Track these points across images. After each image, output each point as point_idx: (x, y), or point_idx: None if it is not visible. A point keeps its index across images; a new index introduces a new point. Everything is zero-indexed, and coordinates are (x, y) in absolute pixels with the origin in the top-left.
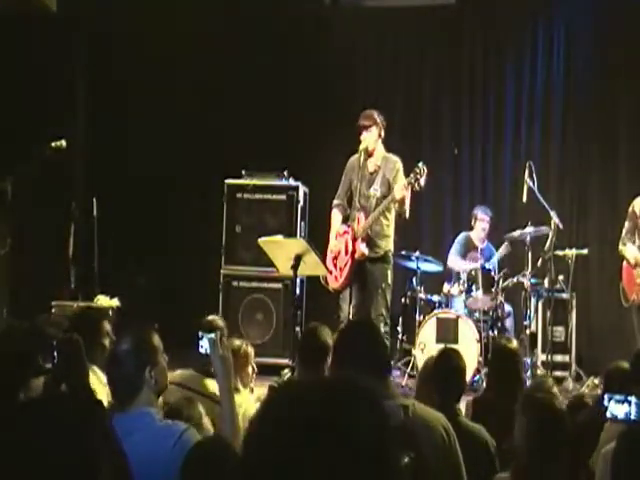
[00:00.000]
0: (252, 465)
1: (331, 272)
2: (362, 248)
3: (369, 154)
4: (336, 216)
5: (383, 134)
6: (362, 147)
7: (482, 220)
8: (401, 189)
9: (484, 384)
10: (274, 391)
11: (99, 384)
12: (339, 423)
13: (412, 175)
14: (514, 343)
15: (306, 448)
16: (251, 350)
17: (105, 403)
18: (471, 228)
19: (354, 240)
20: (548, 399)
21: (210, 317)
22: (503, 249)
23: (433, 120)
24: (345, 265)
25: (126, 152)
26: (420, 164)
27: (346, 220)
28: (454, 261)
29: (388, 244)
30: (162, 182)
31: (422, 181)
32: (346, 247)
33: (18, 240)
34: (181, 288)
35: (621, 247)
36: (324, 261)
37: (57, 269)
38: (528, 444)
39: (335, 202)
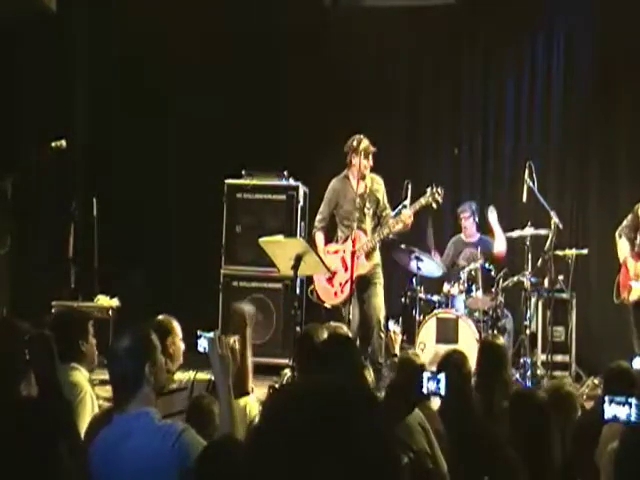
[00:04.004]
0: (255, 472)
1: (323, 292)
2: (367, 263)
3: (363, 177)
4: (320, 239)
5: None
6: (364, 172)
7: (464, 217)
8: (409, 217)
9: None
10: (274, 393)
11: (85, 382)
12: (340, 428)
13: (429, 195)
14: (501, 339)
15: (307, 453)
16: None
17: (89, 400)
18: (460, 229)
19: (352, 257)
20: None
21: (160, 317)
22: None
23: (433, 120)
24: (346, 282)
25: (126, 152)
26: (433, 188)
27: (330, 240)
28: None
29: (376, 247)
30: (162, 182)
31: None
32: (344, 264)
33: (18, 240)
34: (181, 288)
35: (617, 238)
36: (324, 261)
37: (57, 269)
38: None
39: (318, 225)
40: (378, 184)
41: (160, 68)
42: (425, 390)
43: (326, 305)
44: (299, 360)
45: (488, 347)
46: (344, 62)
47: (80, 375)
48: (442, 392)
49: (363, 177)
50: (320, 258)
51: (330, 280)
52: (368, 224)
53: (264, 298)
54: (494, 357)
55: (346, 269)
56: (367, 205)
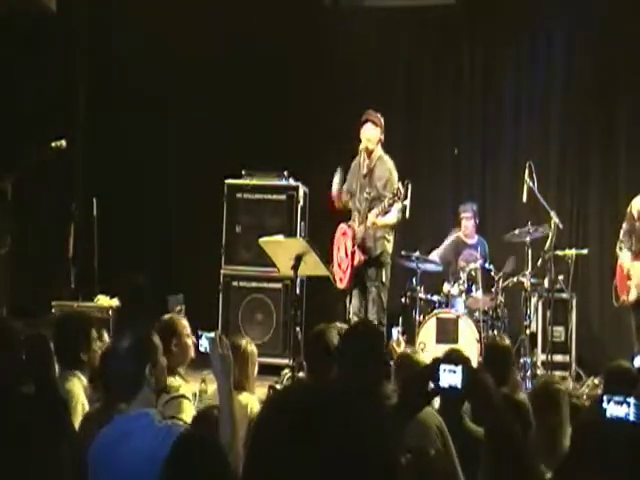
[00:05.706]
0: (256, 466)
1: (335, 272)
2: (359, 255)
3: (369, 153)
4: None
5: (383, 139)
6: (362, 146)
7: (465, 217)
8: (371, 222)
9: None
10: (276, 393)
11: (80, 390)
12: (341, 427)
13: (392, 196)
14: (506, 340)
15: (307, 449)
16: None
17: (80, 409)
18: (457, 224)
19: (352, 244)
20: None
21: (167, 316)
22: (509, 265)
23: (433, 120)
24: (347, 267)
25: (126, 152)
26: (400, 186)
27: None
28: (434, 253)
29: (383, 245)
30: (162, 182)
31: (401, 202)
32: (346, 250)
33: (18, 240)
34: (181, 288)
35: (618, 252)
36: (324, 261)
37: (57, 269)
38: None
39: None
40: (382, 170)
41: (160, 68)
42: (442, 384)
43: (338, 286)
44: (310, 360)
45: (493, 348)
46: (344, 62)
47: (77, 383)
48: (459, 385)
49: (369, 153)
50: (320, 258)
51: (339, 264)
52: (363, 210)
53: (264, 298)
54: (500, 358)
55: (346, 255)
56: (366, 189)
